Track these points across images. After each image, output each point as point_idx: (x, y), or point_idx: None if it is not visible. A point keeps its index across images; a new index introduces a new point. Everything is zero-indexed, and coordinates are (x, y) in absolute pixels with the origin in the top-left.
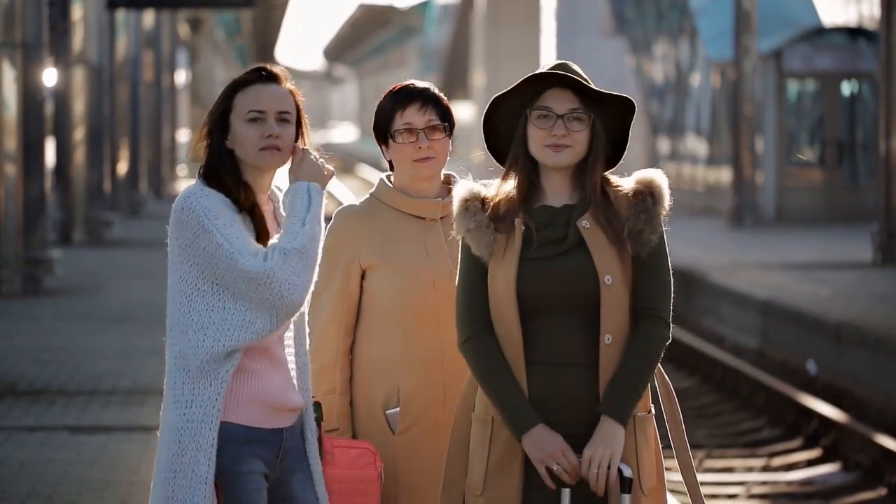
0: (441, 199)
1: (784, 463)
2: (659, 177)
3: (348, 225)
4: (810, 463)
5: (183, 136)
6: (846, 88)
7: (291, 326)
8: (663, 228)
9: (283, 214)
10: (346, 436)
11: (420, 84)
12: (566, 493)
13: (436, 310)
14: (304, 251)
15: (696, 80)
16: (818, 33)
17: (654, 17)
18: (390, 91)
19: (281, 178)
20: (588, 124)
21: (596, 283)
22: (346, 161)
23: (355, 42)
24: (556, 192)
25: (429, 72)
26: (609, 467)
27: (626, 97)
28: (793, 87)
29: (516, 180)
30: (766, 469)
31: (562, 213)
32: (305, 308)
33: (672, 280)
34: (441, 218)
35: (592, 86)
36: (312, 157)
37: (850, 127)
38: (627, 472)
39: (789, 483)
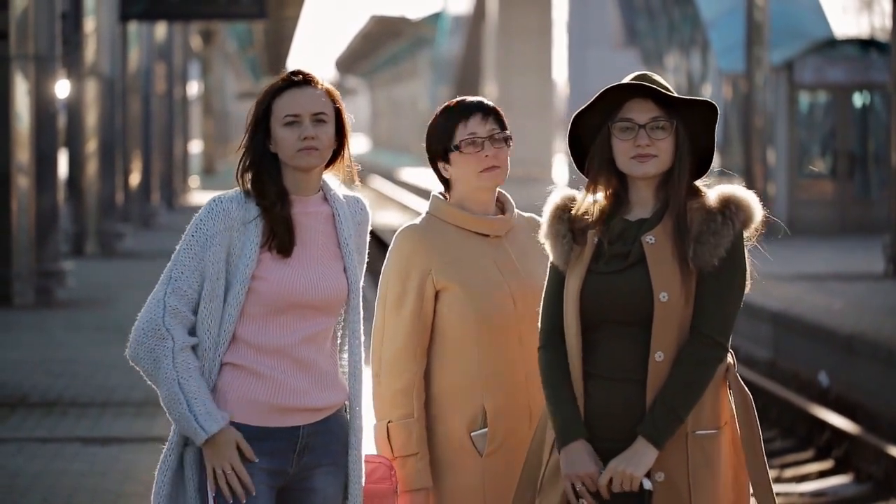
0: (502, 217)
1: (796, 474)
2: (740, 194)
3: (415, 245)
4: (822, 474)
5: (195, 147)
6: (858, 100)
7: (342, 328)
8: (740, 246)
9: (343, 221)
10: (424, 461)
11: (473, 98)
12: None
13: (518, 328)
14: (155, 367)
15: (707, 91)
16: (830, 45)
17: (666, 29)
18: (445, 107)
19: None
20: (671, 132)
21: (651, 299)
22: (358, 172)
23: (367, 53)
24: (642, 204)
25: (440, 83)
26: (631, 486)
27: (707, 101)
28: (804, 98)
29: (600, 193)
30: (778, 480)
31: (633, 227)
32: (359, 310)
33: (737, 303)
34: (503, 234)
35: (673, 94)
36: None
37: (861, 139)
38: (647, 486)
39: (801, 494)
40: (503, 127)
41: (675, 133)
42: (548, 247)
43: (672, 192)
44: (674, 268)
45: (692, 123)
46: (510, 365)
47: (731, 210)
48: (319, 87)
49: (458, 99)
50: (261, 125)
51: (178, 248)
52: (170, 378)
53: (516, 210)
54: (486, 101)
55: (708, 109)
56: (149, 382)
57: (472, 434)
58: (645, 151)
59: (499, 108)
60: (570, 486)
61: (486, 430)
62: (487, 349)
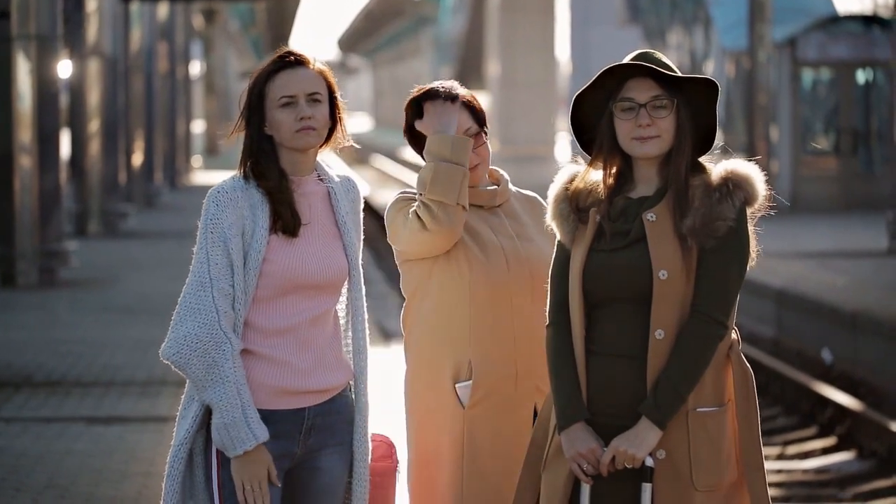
0: (496, 188)
1: (799, 451)
2: (741, 170)
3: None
4: (825, 451)
5: (198, 127)
6: (861, 77)
7: (343, 307)
8: (742, 223)
9: (339, 200)
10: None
11: (445, 86)
12: (586, 490)
13: (509, 289)
14: (210, 370)
15: (710, 69)
16: (833, 22)
17: (669, 6)
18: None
19: (328, 158)
20: (672, 110)
21: (650, 277)
22: (360, 151)
23: (370, 32)
24: (646, 182)
25: (443, 62)
26: (633, 465)
27: (707, 78)
28: (807, 75)
29: (603, 171)
30: (781, 457)
31: (635, 205)
32: (361, 286)
33: (737, 280)
34: (499, 205)
35: (671, 72)
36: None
37: (864, 115)
38: (649, 462)
39: (804, 471)
40: (479, 122)
41: (677, 111)
42: (554, 226)
43: (673, 169)
44: (674, 245)
45: (694, 101)
46: (499, 324)
47: (730, 186)
48: (312, 66)
49: (422, 91)
50: (255, 109)
51: (200, 248)
52: (229, 382)
53: (514, 187)
54: (452, 89)
55: (709, 87)
56: (190, 382)
57: (456, 385)
58: (646, 132)
59: (472, 99)
60: (577, 468)
61: (470, 382)
62: (479, 306)
